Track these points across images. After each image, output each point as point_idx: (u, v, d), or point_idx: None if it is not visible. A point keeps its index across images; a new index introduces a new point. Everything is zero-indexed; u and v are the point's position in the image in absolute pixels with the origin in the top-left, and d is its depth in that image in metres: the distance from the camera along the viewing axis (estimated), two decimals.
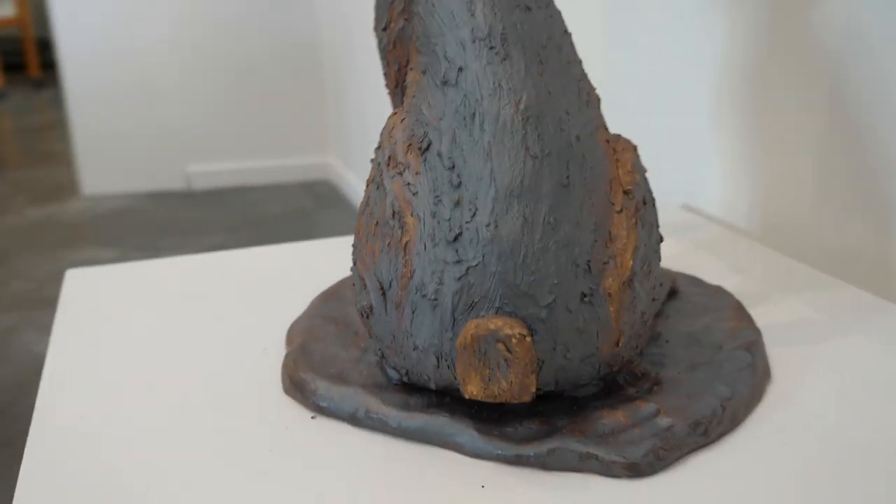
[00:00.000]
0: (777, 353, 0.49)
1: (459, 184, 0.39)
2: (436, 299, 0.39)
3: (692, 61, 0.78)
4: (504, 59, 0.39)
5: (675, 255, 0.65)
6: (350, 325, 0.51)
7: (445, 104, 0.40)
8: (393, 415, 0.42)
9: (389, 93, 0.51)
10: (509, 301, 0.38)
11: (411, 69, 0.44)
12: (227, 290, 0.61)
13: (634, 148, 0.44)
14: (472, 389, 0.39)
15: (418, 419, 0.41)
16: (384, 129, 0.44)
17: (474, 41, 0.40)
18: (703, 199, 0.79)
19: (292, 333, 0.52)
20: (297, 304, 0.58)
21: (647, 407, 0.41)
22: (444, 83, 0.41)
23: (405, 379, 0.43)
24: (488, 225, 0.38)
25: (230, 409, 0.45)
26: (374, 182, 0.43)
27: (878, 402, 0.44)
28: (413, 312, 0.40)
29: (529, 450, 0.39)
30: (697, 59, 0.77)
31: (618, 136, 0.44)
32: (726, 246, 0.67)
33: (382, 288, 0.41)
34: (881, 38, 0.57)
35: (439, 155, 0.40)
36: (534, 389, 0.38)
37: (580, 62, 0.43)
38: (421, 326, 0.40)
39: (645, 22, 0.85)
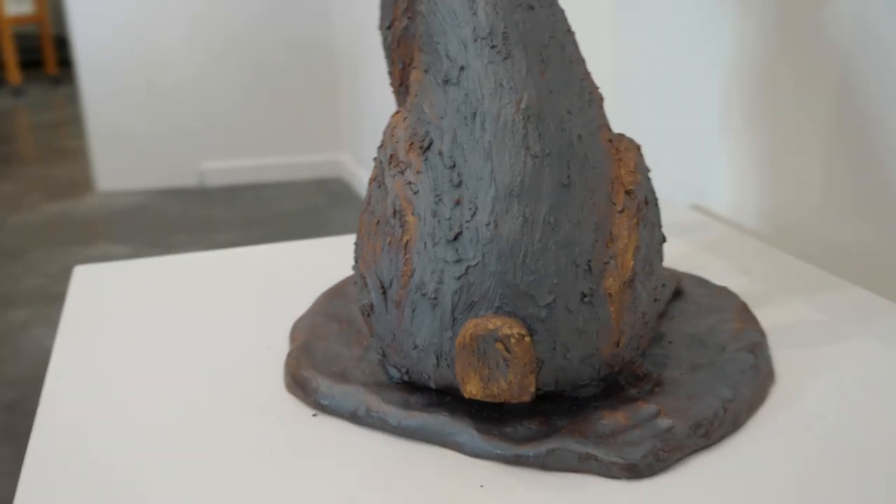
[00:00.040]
0: (782, 355, 0.49)
1: (460, 183, 0.39)
2: (436, 298, 0.39)
3: (702, 61, 0.77)
4: (505, 59, 0.39)
5: (681, 256, 0.65)
6: (353, 324, 0.51)
7: (447, 103, 0.40)
8: (393, 413, 0.42)
9: (394, 91, 0.51)
10: (509, 301, 0.38)
11: (414, 68, 0.44)
12: (235, 288, 0.61)
13: (638, 147, 0.44)
14: (472, 389, 0.39)
15: (418, 418, 0.41)
16: (387, 127, 0.45)
17: (476, 40, 0.40)
18: (712, 200, 0.78)
19: (296, 331, 0.52)
20: (304, 301, 0.58)
21: (647, 408, 0.41)
22: (446, 82, 0.41)
23: (406, 378, 0.43)
24: (488, 224, 0.38)
25: (232, 406, 0.45)
26: (376, 181, 0.43)
27: (882, 405, 0.43)
28: (413, 311, 0.40)
29: (529, 450, 0.39)
30: (707, 59, 0.76)
31: (621, 136, 0.44)
32: (733, 246, 0.67)
33: (383, 286, 0.41)
34: (891, 37, 0.57)
35: (440, 154, 0.40)
36: (533, 389, 0.38)
37: (583, 61, 0.43)
38: (421, 325, 0.40)
39: (654, 21, 0.84)
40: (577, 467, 0.39)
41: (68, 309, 0.58)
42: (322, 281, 0.61)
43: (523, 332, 0.37)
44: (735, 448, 0.40)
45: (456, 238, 0.39)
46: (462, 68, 0.40)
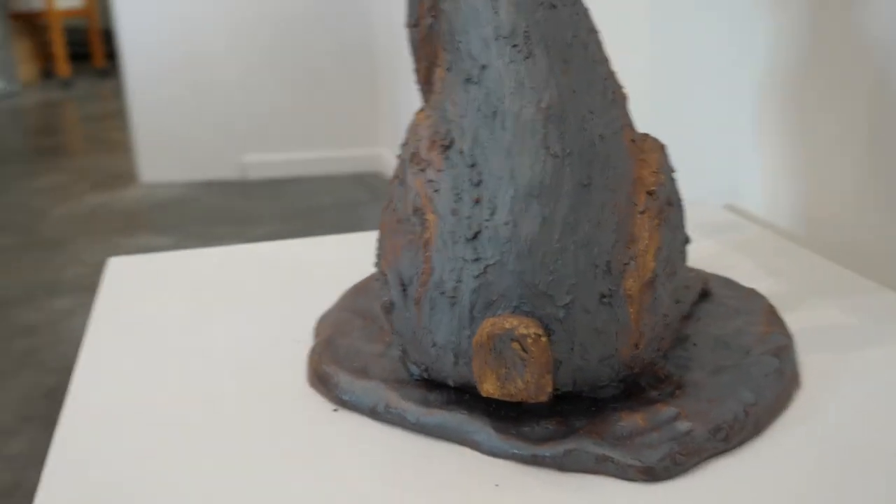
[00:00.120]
0: (809, 359, 0.48)
1: (480, 182, 0.39)
2: (454, 297, 0.39)
3: (736, 60, 0.76)
4: (527, 58, 0.39)
5: (711, 256, 0.64)
6: (377, 320, 0.51)
7: (468, 102, 0.40)
8: (412, 410, 0.42)
9: (419, 89, 0.51)
10: (527, 300, 0.38)
11: (438, 66, 0.44)
12: (265, 281, 0.62)
13: (662, 147, 0.44)
14: (489, 388, 0.39)
15: (437, 415, 0.41)
16: (410, 125, 0.45)
17: (497, 39, 0.40)
18: (747, 200, 0.77)
19: (321, 326, 0.52)
20: (333, 296, 0.58)
21: (666, 410, 0.40)
22: (468, 81, 0.41)
23: (425, 375, 0.43)
24: (507, 224, 0.38)
25: (255, 399, 0.45)
26: (398, 178, 0.43)
27: None
28: (432, 309, 0.40)
29: (545, 450, 0.39)
30: (741, 58, 0.75)
31: (645, 136, 0.44)
32: (765, 247, 0.66)
33: (403, 284, 0.41)
34: None
35: (461, 153, 0.40)
36: (550, 389, 0.38)
37: (607, 61, 0.42)
38: (440, 324, 0.40)
39: (689, 20, 0.83)
40: (594, 469, 0.38)
41: (100, 300, 0.59)
42: (352, 276, 0.62)
43: (540, 331, 0.37)
44: (755, 453, 0.40)
45: (475, 237, 0.39)
46: (483, 67, 0.40)
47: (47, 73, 4.89)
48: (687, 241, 0.44)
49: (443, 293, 0.40)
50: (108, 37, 5.05)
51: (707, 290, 0.54)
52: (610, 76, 0.42)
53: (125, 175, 2.67)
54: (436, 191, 0.40)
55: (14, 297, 1.70)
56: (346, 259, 0.65)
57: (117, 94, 3.39)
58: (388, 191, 0.44)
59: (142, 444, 0.42)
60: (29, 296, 1.71)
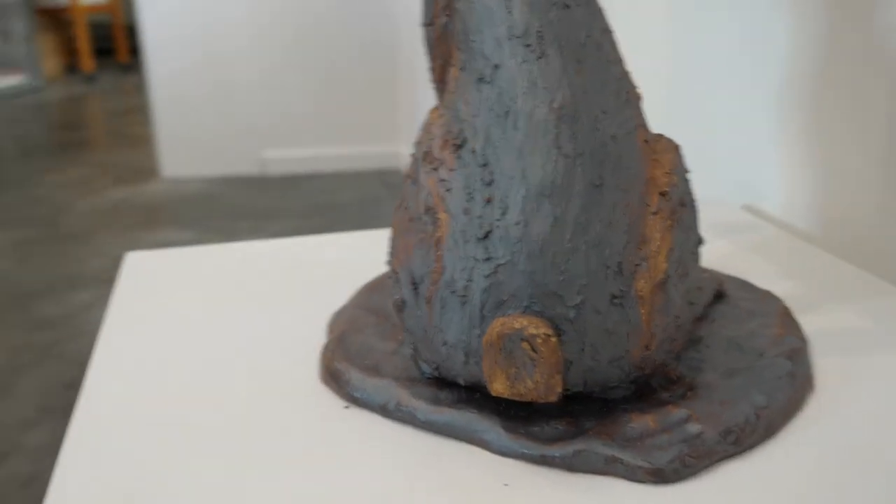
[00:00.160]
0: (823, 363, 0.48)
1: (491, 181, 0.39)
2: (465, 296, 0.39)
3: (757, 59, 0.76)
4: (539, 58, 0.39)
5: (727, 257, 0.64)
6: (389, 318, 0.51)
7: (481, 101, 0.40)
8: (422, 408, 0.42)
9: (434, 88, 0.51)
10: (538, 300, 0.38)
11: (452, 65, 0.44)
12: (281, 277, 0.62)
13: (676, 148, 0.43)
14: (499, 387, 0.39)
15: (446, 414, 0.42)
16: (423, 124, 0.45)
17: (510, 39, 0.40)
18: (764, 200, 0.77)
19: (334, 323, 0.53)
20: (349, 292, 0.58)
21: (677, 412, 0.40)
22: (480, 80, 0.41)
23: (436, 373, 0.43)
24: (518, 223, 0.38)
25: (267, 395, 0.46)
26: (410, 177, 0.43)
27: None
28: (443, 308, 0.40)
29: (555, 450, 0.39)
30: (762, 58, 0.75)
31: (659, 136, 0.44)
32: (783, 249, 0.66)
33: (414, 283, 0.41)
34: None
35: (473, 152, 0.40)
36: (560, 390, 0.38)
37: (621, 61, 0.42)
38: (450, 323, 0.40)
39: (709, 18, 0.83)
40: (603, 470, 0.38)
41: (117, 294, 0.60)
42: (368, 273, 0.62)
43: (550, 332, 0.37)
44: (766, 456, 0.39)
45: (486, 236, 0.39)
46: (496, 67, 0.40)
47: (71, 67, 4.93)
48: (700, 242, 0.44)
49: (454, 292, 0.40)
50: (131, 32, 5.09)
51: (722, 291, 0.54)
52: (624, 76, 0.42)
53: (147, 170, 2.68)
54: (448, 190, 0.41)
55: (36, 290, 1.72)
56: (363, 256, 0.65)
57: (140, 89, 3.41)
58: (401, 189, 0.44)
59: (154, 438, 0.42)
60: (50, 288, 1.73)
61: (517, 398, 0.39)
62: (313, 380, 0.47)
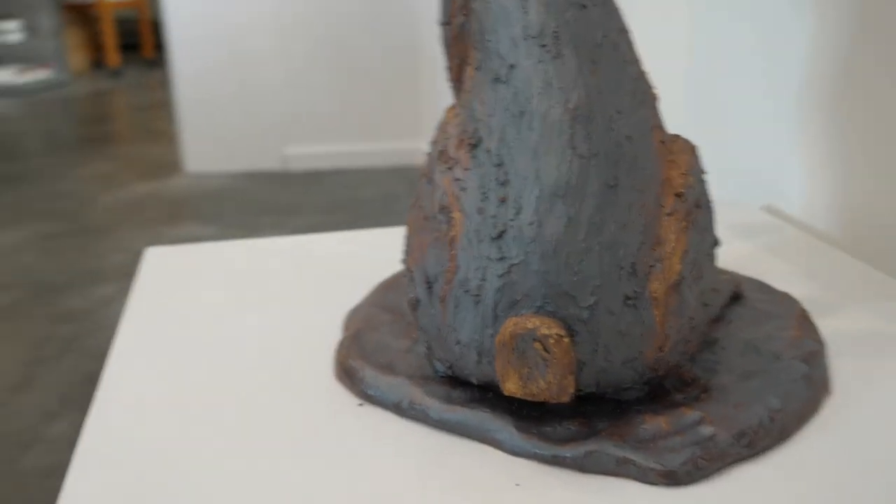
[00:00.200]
0: (840, 366, 0.47)
1: (506, 181, 0.39)
2: (478, 295, 0.39)
3: (779, 60, 0.75)
4: (555, 58, 0.39)
5: (746, 258, 0.63)
6: (405, 316, 0.51)
7: (496, 101, 0.40)
8: (435, 407, 0.42)
9: (451, 87, 0.51)
10: (551, 301, 0.38)
11: (468, 65, 0.44)
12: (299, 274, 0.63)
13: (693, 149, 0.43)
14: (511, 387, 0.39)
15: (459, 413, 0.42)
16: (440, 123, 0.45)
17: (526, 38, 0.40)
18: (786, 201, 0.76)
19: (350, 320, 0.53)
20: (366, 290, 0.58)
21: (691, 414, 0.40)
22: (496, 80, 0.41)
23: (450, 372, 0.43)
24: (531, 224, 0.38)
25: (282, 392, 0.46)
26: (426, 176, 0.43)
27: None
28: (456, 307, 0.40)
29: (567, 451, 0.39)
30: (784, 58, 0.74)
31: (676, 137, 0.43)
32: (802, 250, 0.65)
33: (428, 281, 0.42)
34: None
35: (488, 152, 0.40)
36: (572, 390, 0.38)
37: (637, 61, 0.42)
38: (464, 322, 0.40)
39: (730, 15, 0.82)
40: (615, 471, 0.38)
41: (136, 289, 0.60)
42: (385, 270, 0.62)
43: (562, 332, 0.37)
44: (780, 460, 0.39)
45: (500, 236, 0.39)
46: (512, 67, 0.40)
47: (98, 63, 4.97)
48: (716, 243, 0.44)
49: (467, 291, 0.40)
50: (157, 28, 5.13)
51: (739, 292, 0.53)
52: (640, 76, 0.42)
53: (171, 164, 2.70)
54: (463, 189, 0.41)
55: (59, 283, 1.74)
56: (381, 253, 0.65)
57: (165, 84, 3.43)
58: (417, 188, 0.44)
59: (168, 432, 0.43)
60: (73, 282, 1.74)
61: (529, 398, 0.39)
62: (328, 377, 0.47)
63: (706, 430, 0.39)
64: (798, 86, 0.73)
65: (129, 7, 4.92)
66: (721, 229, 0.69)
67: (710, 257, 0.42)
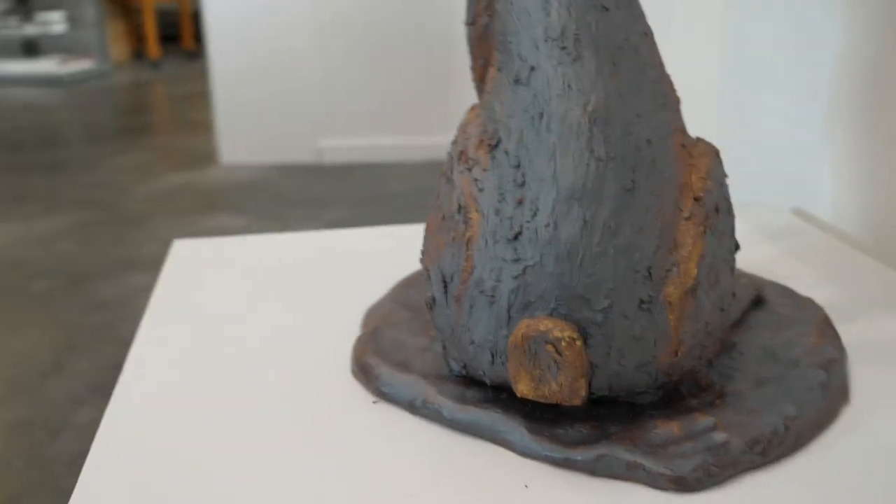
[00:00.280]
0: (861, 375, 0.47)
1: (523, 183, 0.39)
2: (493, 296, 0.40)
3: (810, 61, 0.74)
4: (575, 60, 0.39)
5: (770, 261, 0.63)
6: (424, 313, 0.52)
7: (516, 102, 0.40)
8: (448, 406, 0.42)
9: (475, 87, 0.51)
10: (564, 303, 0.38)
11: (491, 66, 0.44)
12: (323, 269, 0.63)
13: (715, 153, 0.43)
14: (523, 389, 0.39)
15: (471, 413, 0.42)
16: (461, 123, 0.45)
17: (547, 41, 0.40)
18: (815, 204, 0.75)
19: (369, 317, 0.53)
20: (388, 286, 0.59)
21: (704, 420, 0.40)
22: (516, 81, 0.41)
23: (464, 372, 0.43)
24: (547, 225, 0.38)
25: (299, 387, 0.46)
26: (444, 176, 0.43)
27: None
28: (471, 307, 0.40)
29: (577, 454, 0.39)
30: (815, 59, 0.73)
31: (697, 140, 0.43)
32: (829, 255, 0.64)
33: (444, 281, 0.42)
34: None
35: (506, 153, 0.40)
36: (584, 393, 0.38)
37: (659, 64, 0.42)
38: (478, 322, 0.40)
39: (762, 19, 0.81)
40: (625, 475, 0.38)
41: (161, 281, 0.61)
42: (410, 266, 0.62)
43: (574, 335, 0.37)
44: (793, 469, 0.39)
45: (516, 237, 0.39)
46: (532, 68, 0.40)
47: (138, 54, 5.03)
48: (735, 248, 0.43)
49: (482, 292, 0.40)
50: (197, 20, 5.17)
51: (761, 297, 0.53)
52: (661, 79, 0.41)
53: (206, 155, 2.73)
54: (480, 190, 0.41)
55: (93, 272, 1.77)
56: (405, 250, 0.65)
57: (203, 75, 3.47)
58: (436, 187, 0.44)
59: (184, 425, 0.43)
60: (107, 271, 1.77)
61: (541, 400, 0.39)
62: (345, 373, 0.48)
63: (718, 436, 0.39)
64: (830, 90, 0.72)
65: (170, 0, 4.97)
66: (749, 231, 0.68)
67: (729, 262, 0.42)
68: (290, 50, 2.63)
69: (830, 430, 0.42)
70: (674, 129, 0.41)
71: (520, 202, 0.39)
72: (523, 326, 0.38)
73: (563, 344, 0.37)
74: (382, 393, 0.45)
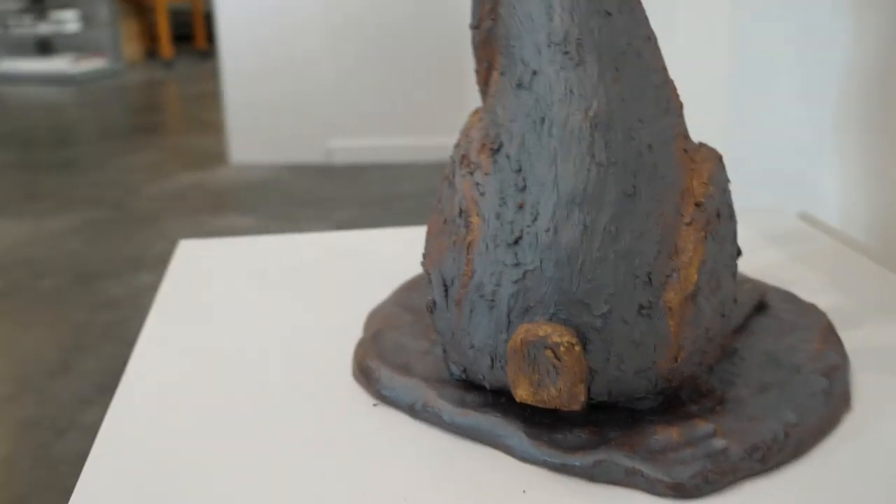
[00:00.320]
0: (864, 382, 0.47)
1: (524, 187, 0.39)
2: (493, 300, 0.39)
3: (818, 64, 0.74)
4: (577, 65, 0.39)
5: (775, 266, 0.62)
6: (426, 316, 0.52)
7: (518, 107, 0.40)
8: (448, 410, 0.42)
9: (479, 90, 0.51)
10: (564, 308, 0.38)
11: (495, 69, 0.44)
12: (327, 271, 0.63)
13: (718, 158, 0.43)
14: (522, 393, 0.39)
15: (471, 417, 0.42)
16: (464, 127, 0.45)
17: (549, 45, 0.39)
18: (822, 209, 0.75)
19: (371, 319, 0.53)
20: (392, 289, 0.59)
21: (703, 426, 0.40)
22: (519, 86, 0.41)
23: (464, 376, 0.43)
24: (548, 230, 0.38)
25: (300, 390, 0.47)
26: (447, 179, 0.43)
27: None
28: (471, 311, 0.40)
29: (576, 459, 0.39)
30: (823, 62, 0.73)
31: (700, 146, 0.43)
32: (835, 261, 0.64)
33: (445, 284, 0.42)
34: None
35: (508, 157, 0.40)
36: (583, 398, 0.38)
37: (662, 69, 0.41)
38: (478, 326, 0.40)
39: (770, 22, 0.81)
40: (624, 481, 0.38)
41: (166, 281, 0.62)
42: (413, 269, 0.62)
43: (573, 340, 0.37)
44: (793, 476, 0.39)
45: (516, 242, 0.39)
46: (535, 73, 0.40)
47: (151, 53, 5.05)
48: (737, 254, 0.43)
49: (482, 296, 0.40)
50: (210, 19, 5.19)
51: (764, 302, 0.53)
52: (664, 85, 0.41)
53: (216, 155, 2.74)
54: (482, 194, 0.41)
55: (102, 271, 1.77)
56: (410, 252, 0.65)
57: (216, 75, 3.48)
58: (438, 190, 0.44)
59: (185, 426, 0.43)
60: (116, 270, 1.78)
61: (540, 405, 0.39)
62: (347, 376, 0.48)
63: (718, 442, 0.39)
64: (839, 94, 0.72)
65: (183, 0, 4.99)
66: (754, 236, 0.68)
67: (730, 268, 0.42)
68: (301, 50, 2.64)
69: (831, 437, 0.42)
70: (676, 134, 0.41)
71: (520, 206, 0.39)
72: (522, 331, 0.38)
73: (562, 349, 0.37)
74: (383, 396, 0.45)
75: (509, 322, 0.39)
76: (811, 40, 0.75)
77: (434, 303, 0.43)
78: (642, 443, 0.39)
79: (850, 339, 0.51)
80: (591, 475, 0.38)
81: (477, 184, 0.41)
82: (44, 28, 4.51)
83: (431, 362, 0.46)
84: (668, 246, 0.39)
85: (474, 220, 0.41)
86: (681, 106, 0.42)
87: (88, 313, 1.56)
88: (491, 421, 0.41)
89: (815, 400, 0.42)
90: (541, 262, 0.38)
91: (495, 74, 0.44)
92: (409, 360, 0.47)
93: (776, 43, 0.81)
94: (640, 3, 0.41)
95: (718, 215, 0.41)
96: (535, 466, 0.39)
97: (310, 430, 0.43)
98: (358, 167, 2.59)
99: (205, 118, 3.35)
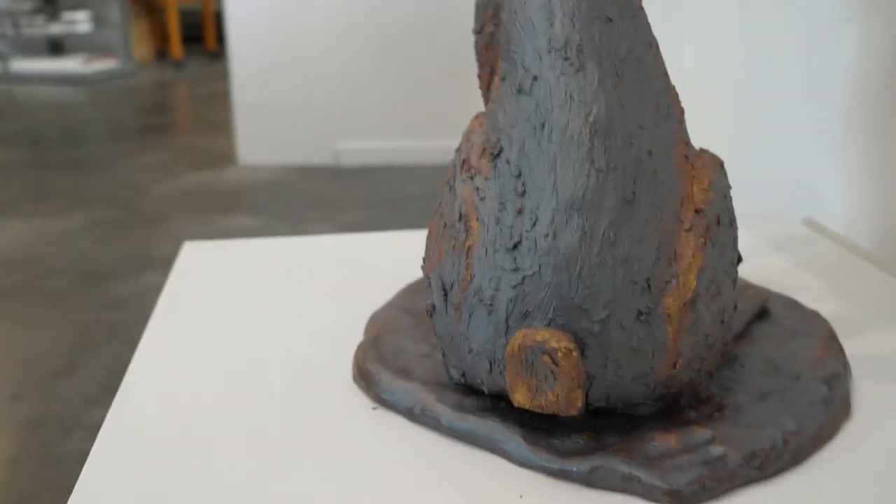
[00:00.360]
0: (865, 390, 0.46)
1: (524, 192, 0.39)
2: (491, 305, 0.40)
3: (824, 69, 0.74)
4: (578, 71, 0.39)
5: (778, 273, 0.62)
6: (426, 320, 0.52)
7: (518, 112, 0.40)
8: (446, 414, 0.42)
9: (482, 95, 0.51)
10: (562, 313, 0.38)
11: (496, 74, 0.44)
12: (330, 274, 0.63)
13: (719, 164, 0.43)
14: (520, 398, 0.39)
15: (469, 421, 0.42)
16: (465, 131, 0.45)
17: (550, 51, 0.40)
18: (828, 215, 0.75)
19: (372, 323, 0.53)
20: (393, 292, 0.59)
21: (701, 433, 0.40)
22: (519, 91, 0.41)
23: (463, 380, 0.44)
24: (546, 236, 0.38)
25: (300, 393, 0.47)
26: (447, 184, 0.43)
27: None
28: (470, 316, 0.40)
29: (573, 464, 0.39)
30: (830, 67, 0.73)
31: (702, 152, 0.43)
32: (839, 267, 0.64)
33: (444, 289, 0.42)
34: None
35: (508, 162, 0.40)
36: (581, 404, 0.38)
37: (663, 75, 0.42)
38: (476, 331, 0.40)
39: (776, 26, 0.81)
40: (620, 487, 0.38)
41: (170, 283, 0.62)
42: (415, 272, 0.62)
43: (571, 346, 0.37)
44: (791, 484, 0.39)
45: (515, 247, 0.39)
46: (535, 78, 0.40)
47: (162, 53, 5.07)
48: (738, 260, 0.43)
49: (481, 300, 0.40)
50: (220, 20, 5.20)
51: (766, 308, 0.53)
52: (665, 91, 0.41)
53: (225, 156, 2.74)
54: (482, 199, 0.41)
55: (109, 271, 1.78)
56: (414, 255, 0.65)
57: (226, 76, 3.49)
58: (439, 194, 0.44)
59: (184, 429, 0.43)
60: (123, 270, 1.78)
61: (538, 410, 0.39)
62: (347, 380, 0.48)
63: (716, 449, 0.39)
64: (844, 99, 0.71)
65: (194, 1, 5.01)
66: (759, 242, 0.68)
67: (730, 274, 0.42)
68: (311, 53, 2.64)
69: (831, 444, 0.41)
70: (676, 141, 0.41)
71: (520, 212, 0.39)
72: (520, 336, 0.38)
73: (560, 354, 0.37)
74: (382, 400, 0.45)
75: (508, 327, 0.39)
76: (817, 47, 0.75)
77: (433, 307, 0.43)
78: (640, 449, 0.39)
79: (853, 345, 0.51)
80: (589, 481, 0.38)
81: (477, 188, 0.41)
82: (55, 28, 4.53)
83: (431, 366, 0.46)
84: (667, 252, 0.39)
85: (474, 224, 0.41)
86: (682, 112, 0.42)
87: (96, 313, 1.57)
88: (489, 425, 0.41)
89: (814, 408, 0.42)
90: (539, 268, 0.38)
91: (497, 79, 0.44)
92: (408, 364, 0.47)
93: (782, 49, 0.81)
94: (641, 10, 0.41)
95: (718, 221, 0.41)
96: (533, 471, 0.39)
97: (309, 432, 0.43)
98: (366, 169, 2.60)
99: (214, 119, 3.36)
